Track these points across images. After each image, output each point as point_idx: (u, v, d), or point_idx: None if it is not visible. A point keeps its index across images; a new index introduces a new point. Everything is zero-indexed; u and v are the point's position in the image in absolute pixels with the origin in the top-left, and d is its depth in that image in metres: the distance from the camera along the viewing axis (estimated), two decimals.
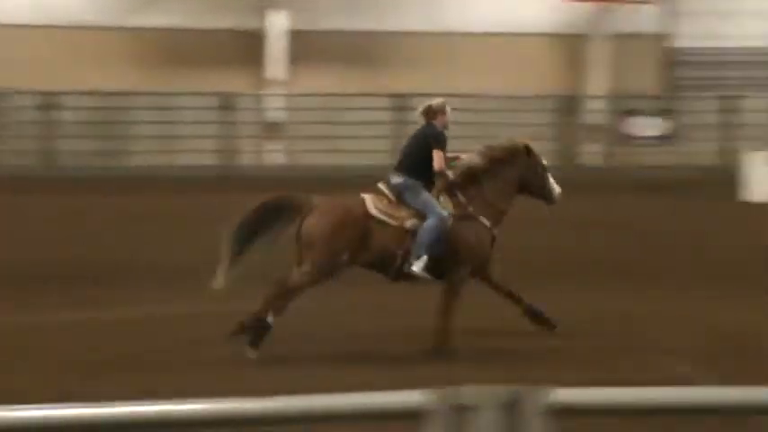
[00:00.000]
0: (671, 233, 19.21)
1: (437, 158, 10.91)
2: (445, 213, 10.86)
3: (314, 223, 10.72)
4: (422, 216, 10.85)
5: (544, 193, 11.28)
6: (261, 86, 32.03)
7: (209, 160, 30.24)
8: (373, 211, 10.85)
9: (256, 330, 10.46)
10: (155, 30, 31.42)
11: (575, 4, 32.62)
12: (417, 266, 10.74)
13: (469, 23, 32.15)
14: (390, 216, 10.87)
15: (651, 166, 30.46)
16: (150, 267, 15.40)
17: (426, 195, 10.94)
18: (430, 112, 11.19)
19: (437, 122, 11.14)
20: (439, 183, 11.05)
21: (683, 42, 32.94)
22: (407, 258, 10.77)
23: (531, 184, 11.22)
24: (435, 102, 11.27)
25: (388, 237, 10.81)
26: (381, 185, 11.07)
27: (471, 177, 11.07)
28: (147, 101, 30.90)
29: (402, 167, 11.08)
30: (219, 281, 10.66)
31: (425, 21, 32.31)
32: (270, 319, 10.48)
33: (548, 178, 11.25)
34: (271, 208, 10.88)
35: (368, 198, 10.95)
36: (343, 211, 10.84)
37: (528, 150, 11.24)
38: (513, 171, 11.14)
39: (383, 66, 32.17)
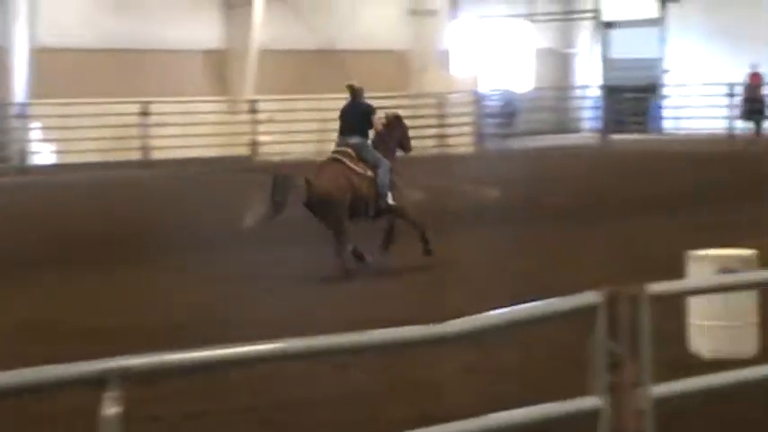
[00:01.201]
0: None
1: (379, 124, 14.40)
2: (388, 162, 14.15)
3: (323, 185, 13.62)
4: (374, 166, 14.03)
5: (408, 146, 14.87)
6: None
7: None
8: (352, 166, 13.85)
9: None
10: None
11: None
12: (390, 199, 14.08)
13: None
14: (360, 168, 13.92)
15: None
16: None
17: (373, 150, 14.17)
18: (357, 92, 14.73)
19: (361, 98, 14.64)
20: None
21: None
22: (377, 199, 13.97)
23: (404, 140, 14.78)
24: (357, 84, 14.86)
25: (363, 183, 13.91)
26: (342, 147, 14.07)
27: (383, 140, 14.36)
28: None
29: (353, 131, 14.24)
30: (250, 222, 13.55)
31: None
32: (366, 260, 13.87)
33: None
34: (280, 181, 13.56)
35: (341, 158, 13.95)
36: (338, 170, 13.80)
37: (399, 118, 14.97)
38: (397, 133, 14.68)
39: None
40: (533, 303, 4.85)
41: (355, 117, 14.45)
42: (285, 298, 12.72)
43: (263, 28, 34.80)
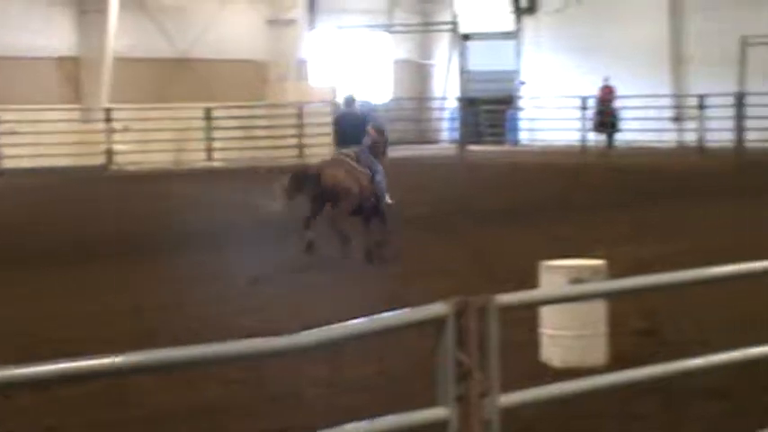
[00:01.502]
0: None
1: (374, 132, 15.89)
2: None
3: (332, 174, 15.20)
4: (370, 169, 15.48)
5: (386, 151, 16.21)
6: None
7: None
8: (355, 165, 15.41)
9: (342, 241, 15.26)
10: None
11: None
12: (389, 200, 15.64)
13: None
14: (361, 167, 15.44)
15: None
16: None
17: (370, 155, 15.62)
18: (351, 102, 16.56)
19: (354, 108, 16.62)
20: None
21: None
22: (377, 198, 15.49)
23: (385, 148, 16.14)
24: (351, 94, 16.85)
25: (364, 180, 15.38)
26: (345, 151, 15.55)
27: (376, 146, 15.84)
28: None
29: (349, 141, 15.65)
30: (279, 205, 15.14)
31: None
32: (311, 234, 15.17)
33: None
34: (299, 172, 15.63)
35: (344, 158, 15.46)
36: (346, 165, 15.37)
37: (381, 129, 16.64)
38: (382, 140, 16.04)
39: None
40: (385, 314, 4.87)
41: (351, 126, 15.93)
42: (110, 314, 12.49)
43: (118, 35, 34.38)
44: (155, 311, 12.33)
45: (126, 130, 33.66)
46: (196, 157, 34.24)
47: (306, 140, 35.58)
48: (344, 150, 15.56)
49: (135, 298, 13.12)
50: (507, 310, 5.13)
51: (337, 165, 15.38)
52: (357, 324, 4.86)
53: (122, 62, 34.32)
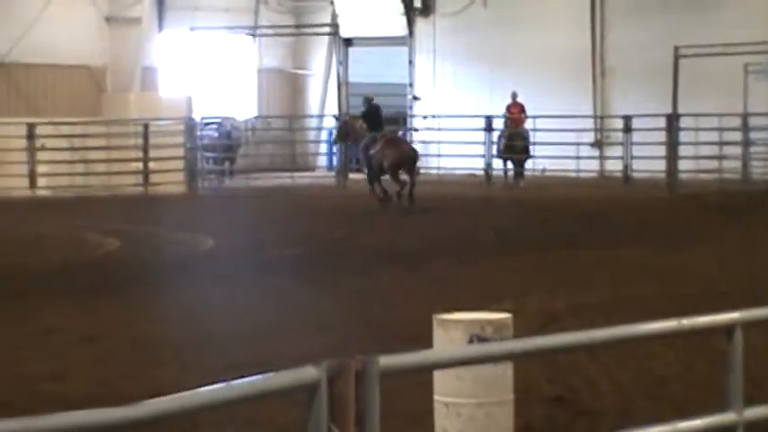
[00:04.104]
0: None
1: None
2: None
3: (408, 148, 29.60)
4: None
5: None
6: None
7: None
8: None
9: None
10: None
11: None
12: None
13: None
14: None
15: None
16: None
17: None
18: (371, 99, 30.12)
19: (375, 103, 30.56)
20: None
21: None
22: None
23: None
24: (369, 95, 30.76)
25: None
26: (389, 130, 30.69)
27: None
28: None
29: (381, 126, 29.69)
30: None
31: None
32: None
33: None
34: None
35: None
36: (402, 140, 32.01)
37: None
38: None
39: None
40: (243, 380, 4.87)
41: (379, 116, 29.60)
42: None
43: None
44: None
45: None
46: (16, 185, 33.78)
47: (153, 165, 35.38)
48: (385, 132, 29.61)
49: None
50: (393, 374, 5.17)
51: (402, 141, 30.13)
52: (211, 391, 4.86)
53: None
